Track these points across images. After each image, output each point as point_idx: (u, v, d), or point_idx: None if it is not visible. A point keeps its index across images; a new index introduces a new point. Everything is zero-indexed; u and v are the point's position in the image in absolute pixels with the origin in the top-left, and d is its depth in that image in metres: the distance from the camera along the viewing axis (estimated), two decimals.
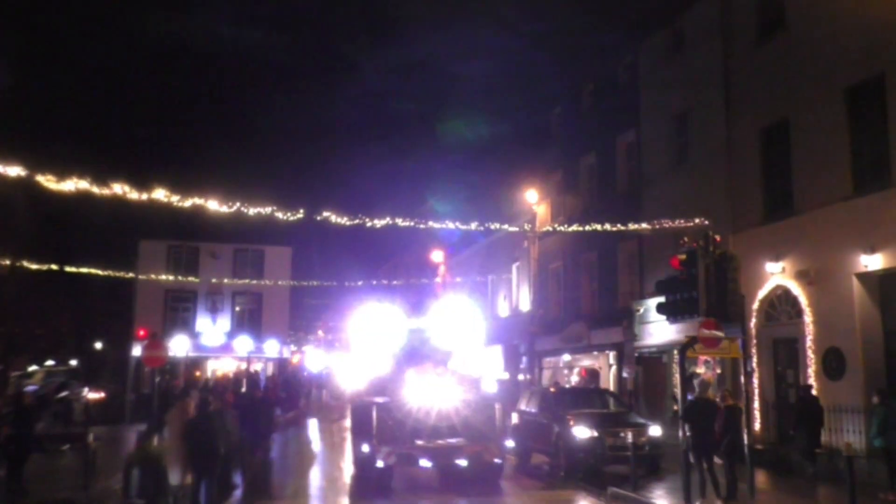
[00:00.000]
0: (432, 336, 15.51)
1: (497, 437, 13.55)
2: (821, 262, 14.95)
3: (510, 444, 15.09)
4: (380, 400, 13.61)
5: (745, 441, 12.25)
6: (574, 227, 20.68)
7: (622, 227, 18.55)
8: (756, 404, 15.98)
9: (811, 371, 15.03)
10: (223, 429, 11.00)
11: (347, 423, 26.53)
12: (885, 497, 11.70)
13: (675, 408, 17.50)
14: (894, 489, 11.75)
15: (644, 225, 18.37)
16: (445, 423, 13.18)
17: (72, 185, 11.43)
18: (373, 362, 15.54)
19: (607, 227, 18.60)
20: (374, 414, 13.18)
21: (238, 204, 14.35)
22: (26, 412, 13.07)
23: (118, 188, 12.29)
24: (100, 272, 27.07)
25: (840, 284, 14.47)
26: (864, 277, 14.13)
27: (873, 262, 13.74)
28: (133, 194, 12.56)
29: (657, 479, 13.72)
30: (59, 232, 35.31)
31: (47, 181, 11.07)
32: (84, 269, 26.03)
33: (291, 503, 13.00)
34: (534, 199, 24.88)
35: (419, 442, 13.02)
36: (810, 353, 15.08)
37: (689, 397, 12.99)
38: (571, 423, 14.60)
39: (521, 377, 27.11)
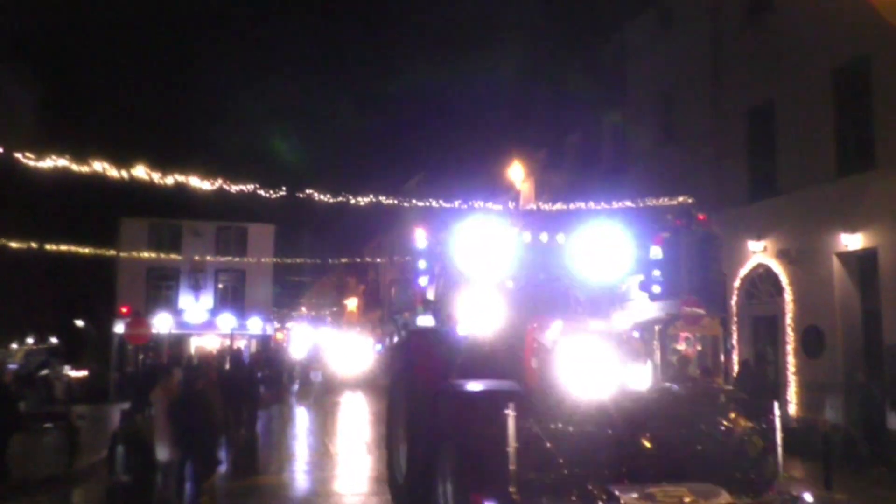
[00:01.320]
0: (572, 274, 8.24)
1: (774, 475, 6.26)
2: (802, 242, 15.10)
3: None
4: (502, 387, 6.51)
5: None
6: (558, 206, 20.69)
7: (606, 206, 18.59)
8: None
9: (790, 349, 15.27)
10: (209, 406, 10.98)
11: (344, 414, 25.81)
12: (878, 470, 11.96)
13: None
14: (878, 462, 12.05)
15: (628, 203, 18.42)
16: (662, 450, 6.17)
17: (51, 162, 11.22)
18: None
19: (591, 204, 18.64)
20: (511, 423, 5.63)
21: (220, 181, 14.19)
22: (7, 391, 12.96)
23: (98, 165, 12.08)
24: (80, 250, 26.72)
25: (821, 264, 14.64)
26: (845, 257, 14.30)
27: (854, 241, 13.90)
28: (113, 171, 12.36)
29: None
30: (39, 210, 34.78)
31: (25, 158, 10.87)
32: (64, 247, 25.67)
33: (277, 478, 13.03)
34: (518, 176, 24.83)
35: (619, 492, 5.57)
36: (789, 331, 15.30)
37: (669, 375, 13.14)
38: None
39: None
